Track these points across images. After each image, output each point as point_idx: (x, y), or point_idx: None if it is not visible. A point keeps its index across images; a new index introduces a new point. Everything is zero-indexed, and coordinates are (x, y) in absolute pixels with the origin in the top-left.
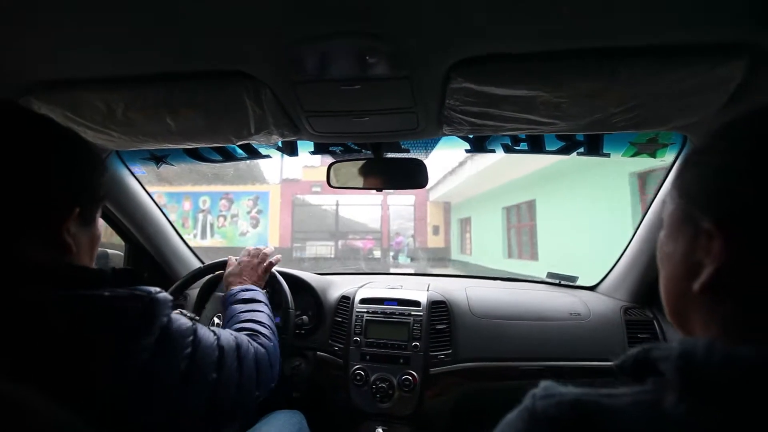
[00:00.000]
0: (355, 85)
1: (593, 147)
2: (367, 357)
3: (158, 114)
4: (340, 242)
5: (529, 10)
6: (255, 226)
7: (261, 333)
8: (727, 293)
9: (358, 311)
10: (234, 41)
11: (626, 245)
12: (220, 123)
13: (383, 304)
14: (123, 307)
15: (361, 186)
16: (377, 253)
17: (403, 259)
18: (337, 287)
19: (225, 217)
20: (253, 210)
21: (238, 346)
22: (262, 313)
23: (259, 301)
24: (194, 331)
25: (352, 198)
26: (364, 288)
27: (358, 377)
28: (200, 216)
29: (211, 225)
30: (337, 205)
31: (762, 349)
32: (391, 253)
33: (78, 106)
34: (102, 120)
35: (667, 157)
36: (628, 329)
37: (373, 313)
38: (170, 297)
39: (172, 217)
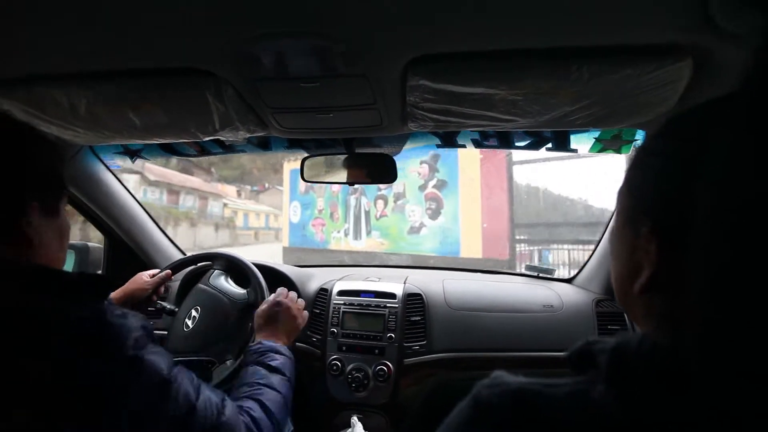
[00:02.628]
0: (314, 82)
1: (561, 143)
2: (344, 348)
3: (121, 110)
4: None
5: (480, 9)
6: (434, 214)
7: (261, 425)
8: (662, 294)
9: (335, 303)
10: (191, 39)
11: (599, 238)
12: (184, 119)
13: (360, 296)
14: (72, 323)
15: (332, 180)
16: None
17: None
18: (315, 279)
19: (385, 200)
20: (428, 182)
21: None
22: (279, 396)
23: (284, 376)
24: (167, 382)
25: None
26: (342, 280)
27: (335, 367)
28: (353, 200)
29: (367, 214)
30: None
31: (678, 340)
32: None
33: (40, 103)
34: (65, 116)
35: (632, 153)
36: (598, 321)
37: (349, 304)
38: (138, 324)
39: (319, 203)
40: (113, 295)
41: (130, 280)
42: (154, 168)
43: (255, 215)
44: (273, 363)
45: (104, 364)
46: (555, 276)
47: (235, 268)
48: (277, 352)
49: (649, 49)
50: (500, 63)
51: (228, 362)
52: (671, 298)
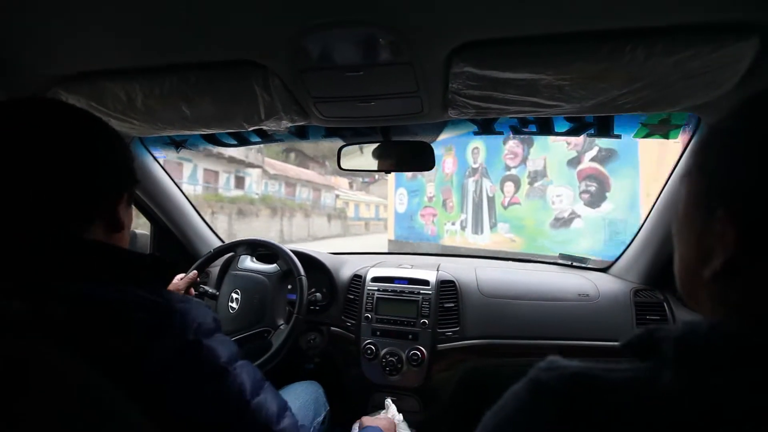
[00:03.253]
0: (359, 71)
1: (603, 128)
2: (378, 332)
3: (174, 102)
4: None
5: None
6: (594, 200)
7: None
8: (737, 281)
9: (369, 289)
10: (242, 32)
11: (639, 226)
12: (232, 110)
13: (393, 283)
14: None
15: (369, 168)
16: None
17: None
18: (349, 266)
19: (515, 183)
20: (583, 154)
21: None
22: None
23: None
24: (224, 372)
25: None
26: (376, 267)
27: (369, 351)
28: (471, 184)
29: (491, 201)
30: None
31: (757, 329)
32: None
33: (101, 97)
34: (123, 109)
35: (680, 138)
36: (636, 311)
37: (383, 291)
38: (204, 312)
39: (428, 190)
40: None
41: None
42: (274, 163)
43: (365, 206)
44: None
45: (162, 345)
46: (589, 265)
47: (257, 248)
48: None
49: (711, 27)
50: (548, 47)
51: (281, 327)
52: (748, 285)
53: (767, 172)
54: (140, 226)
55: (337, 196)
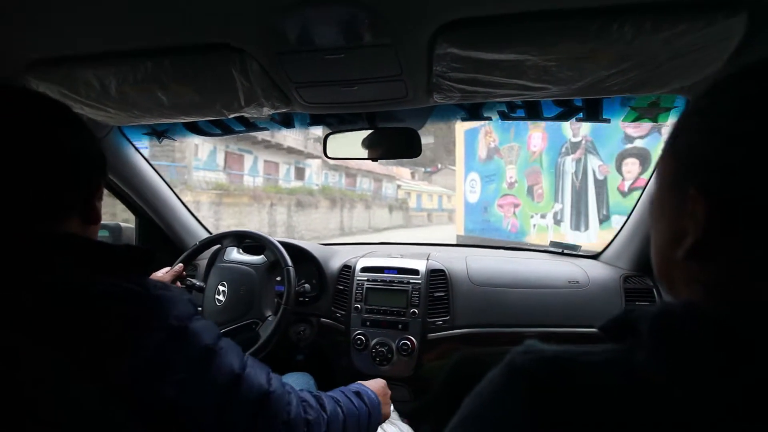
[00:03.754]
0: (339, 54)
1: (592, 112)
2: (368, 323)
3: (149, 89)
4: None
5: None
6: None
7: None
8: (710, 260)
9: (358, 279)
10: (216, 13)
11: (629, 213)
12: (210, 96)
13: (383, 273)
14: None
15: (356, 156)
16: None
17: None
18: (339, 257)
19: (641, 160)
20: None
21: (268, 394)
22: (335, 404)
23: (360, 403)
24: (212, 352)
25: None
26: (366, 257)
27: (359, 342)
28: (570, 164)
29: (601, 187)
30: None
31: (732, 308)
32: None
33: (73, 84)
34: (97, 96)
35: (669, 122)
36: (626, 297)
37: (373, 281)
38: (181, 296)
39: (508, 173)
40: None
41: None
42: None
43: (428, 196)
44: (355, 395)
45: (148, 334)
46: (580, 252)
47: (243, 240)
48: (369, 397)
49: (699, 3)
50: (533, 26)
51: (269, 318)
52: (719, 264)
53: (734, 149)
54: (127, 219)
55: (399, 186)
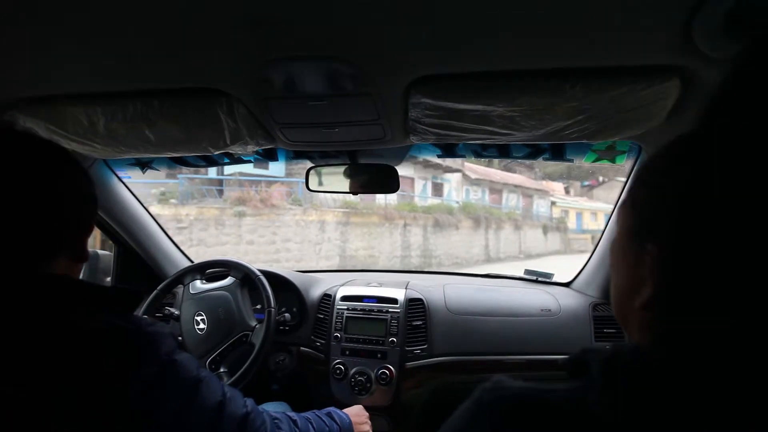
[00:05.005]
0: (323, 101)
1: (557, 153)
2: (347, 352)
3: (137, 127)
4: None
5: (476, 36)
6: None
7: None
8: (661, 310)
9: (338, 308)
10: (208, 62)
11: (596, 242)
12: (197, 135)
13: (362, 302)
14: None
15: (336, 190)
16: None
17: None
18: (319, 285)
19: None
20: None
21: (247, 415)
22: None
23: (332, 423)
24: (198, 381)
25: None
26: (345, 286)
27: (338, 371)
28: None
29: None
30: None
31: (673, 353)
32: None
33: (61, 120)
34: (84, 132)
35: (626, 163)
36: (595, 324)
37: (352, 310)
38: (167, 332)
39: None
40: None
41: None
42: (476, 167)
43: (590, 215)
44: (326, 415)
45: (143, 369)
46: (553, 280)
47: (204, 271)
48: (340, 418)
49: (639, 70)
50: (497, 82)
51: (257, 327)
52: (670, 314)
53: (689, 213)
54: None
55: (553, 203)
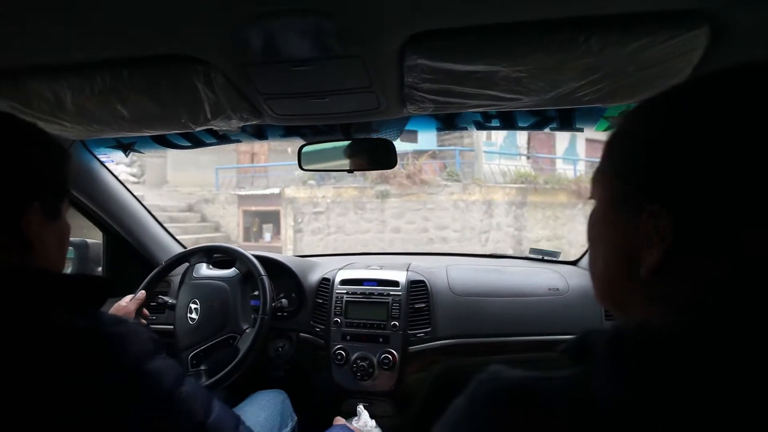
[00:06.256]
0: (307, 65)
1: (566, 122)
2: (348, 337)
3: (108, 101)
4: None
5: None
6: None
7: None
8: (670, 275)
9: (338, 292)
10: (178, 23)
11: None
12: (174, 109)
13: (363, 285)
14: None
15: (331, 168)
16: None
17: None
18: (317, 269)
19: None
20: None
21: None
22: None
23: None
24: (169, 397)
25: None
26: (344, 269)
27: (339, 357)
28: None
29: None
30: None
31: (682, 321)
32: None
33: (25, 96)
34: (51, 110)
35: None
36: None
37: (352, 294)
38: (141, 334)
39: None
40: None
41: (111, 310)
42: None
43: None
44: None
45: (101, 377)
46: (560, 258)
47: (213, 255)
48: None
49: (663, 17)
50: (502, 38)
51: (247, 331)
52: (681, 278)
53: (702, 162)
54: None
55: None
